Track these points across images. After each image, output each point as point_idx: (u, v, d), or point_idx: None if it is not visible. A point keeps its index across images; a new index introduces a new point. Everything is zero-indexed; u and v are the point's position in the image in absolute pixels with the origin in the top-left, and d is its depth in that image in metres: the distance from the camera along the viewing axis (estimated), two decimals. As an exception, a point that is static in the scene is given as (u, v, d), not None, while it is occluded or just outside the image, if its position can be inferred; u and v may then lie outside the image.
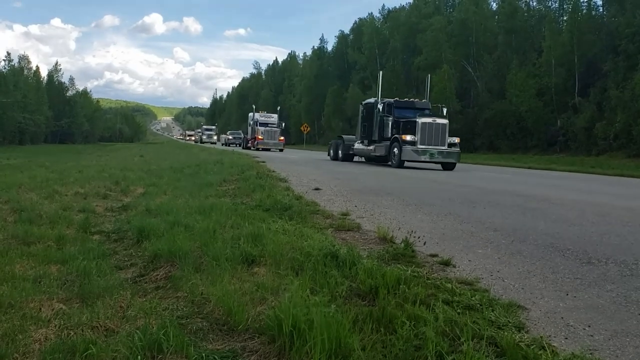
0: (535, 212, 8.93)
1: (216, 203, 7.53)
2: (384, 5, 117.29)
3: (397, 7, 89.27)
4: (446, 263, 4.72)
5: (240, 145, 55.10)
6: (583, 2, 58.08)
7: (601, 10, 59.65)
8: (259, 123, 47.00)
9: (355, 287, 3.86)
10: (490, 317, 3.21)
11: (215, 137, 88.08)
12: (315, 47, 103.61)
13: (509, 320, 3.19)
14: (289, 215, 6.72)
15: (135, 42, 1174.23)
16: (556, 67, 51.77)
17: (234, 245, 4.90)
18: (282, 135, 47.71)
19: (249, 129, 49.83)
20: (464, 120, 58.03)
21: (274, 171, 15.10)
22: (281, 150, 45.84)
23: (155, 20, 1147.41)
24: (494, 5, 71.47)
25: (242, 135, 59.94)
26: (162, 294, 4.07)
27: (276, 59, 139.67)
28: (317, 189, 10.90)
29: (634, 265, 4.87)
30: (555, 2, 64.15)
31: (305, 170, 18.12)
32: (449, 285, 3.89)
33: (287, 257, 4.56)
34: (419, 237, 5.45)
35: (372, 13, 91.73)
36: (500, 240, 5.98)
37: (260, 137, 45.51)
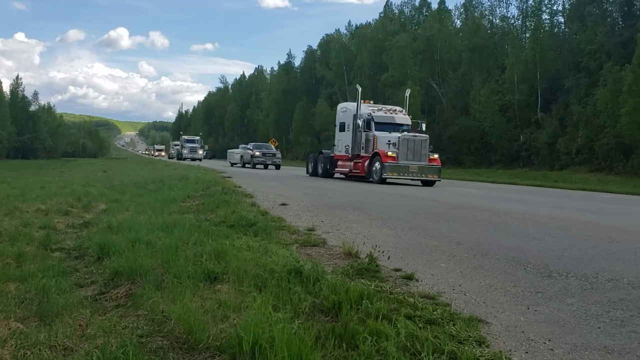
0: (498, 226, 9.05)
1: (179, 219, 7.45)
2: (350, 22, 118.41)
3: (364, 23, 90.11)
4: (409, 277, 4.75)
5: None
6: (545, 19, 59.57)
7: (563, 27, 61.20)
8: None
9: (319, 303, 3.85)
10: (451, 332, 3.23)
11: (201, 152, 68.82)
12: (283, 62, 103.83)
13: (469, 335, 3.20)
14: (254, 232, 6.68)
15: (100, 56, 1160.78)
16: (519, 84, 52.83)
17: (196, 263, 4.84)
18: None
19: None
20: (430, 135, 58.47)
21: (240, 187, 15.02)
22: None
23: (121, 35, 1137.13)
24: (458, 23, 72.78)
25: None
26: (122, 312, 4.00)
27: (243, 73, 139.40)
28: (283, 204, 10.88)
29: (594, 279, 4.95)
30: (518, 20, 65.51)
31: (273, 185, 18.06)
32: (412, 299, 3.91)
33: (250, 274, 4.53)
34: (383, 252, 5.46)
35: (339, 29, 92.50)
36: (463, 254, 6.04)
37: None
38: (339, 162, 26.09)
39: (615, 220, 11.15)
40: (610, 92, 42.47)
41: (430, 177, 22.21)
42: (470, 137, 54.92)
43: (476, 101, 54.26)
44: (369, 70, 76.85)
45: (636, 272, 5.29)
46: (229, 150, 52.64)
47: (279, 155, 43.28)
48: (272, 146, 46.81)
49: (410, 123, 25.05)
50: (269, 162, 41.67)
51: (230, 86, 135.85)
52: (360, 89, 25.68)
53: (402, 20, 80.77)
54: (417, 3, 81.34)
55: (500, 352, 2.95)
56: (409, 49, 65.42)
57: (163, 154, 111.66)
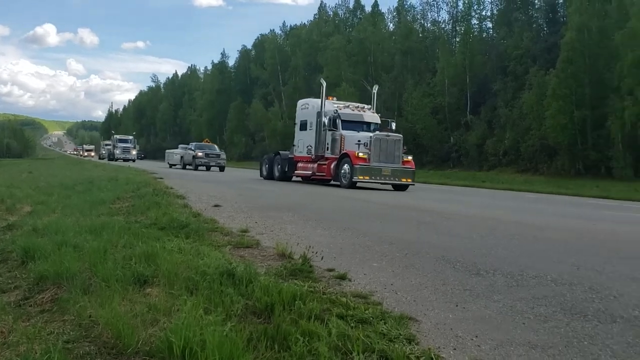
0: (429, 225, 9.25)
1: (108, 222, 7.25)
2: (284, 22, 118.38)
3: (298, 24, 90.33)
4: (342, 277, 4.78)
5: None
6: (474, 24, 61.34)
7: (491, 32, 63.18)
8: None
9: (252, 304, 3.83)
10: (382, 330, 3.27)
11: (134, 152, 66.92)
12: (217, 62, 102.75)
13: (400, 333, 3.26)
14: (186, 234, 6.57)
15: (26, 52, 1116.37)
16: (449, 87, 54.22)
17: (125, 266, 4.72)
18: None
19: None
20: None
21: (172, 188, 14.76)
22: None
23: (49, 31, 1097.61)
24: (391, 26, 73.98)
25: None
26: (47, 318, 3.85)
27: (176, 72, 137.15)
28: (217, 205, 10.75)
29: (520, 276, 5.12)
30: (449, 24, 67.25)
31: (207, 187, 17.83)
32: (344, 299, 3.94)
33: (182, 276, 4.45)
34: (317, 252, 5.48)
35: (273, 30, 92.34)
36: (395, 253, 6.14)
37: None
38: (300, 164, 23.85)
39: (539, 219, 11.59)
40: (536, 95, 44.15)
41: (404, 181, 20.42)
42: (404, 138, 55.79)
43: (409, 103, 55.31)
44: (303, 71, 77.15)
45: (559, 269, 5.51)
46: (167, 151, 49.76)
47: (223, 156, 40.74)
48: (216, 146, 44.22)
49: (379, 122, 23.12)
50: (212, 163, 39.16)
51: (162, 85, 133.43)
52: (324, 84, 23.08)
53: (337, 22, 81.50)
54: (351, 6, 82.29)
55: (429, 349, 3.01)
56: (343, 51, 66.07)
57: (93, 154, 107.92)
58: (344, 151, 20.70)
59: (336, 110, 22.08)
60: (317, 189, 19.47)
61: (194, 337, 3.00)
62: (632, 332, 3.52)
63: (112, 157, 65.71)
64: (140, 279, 4.42)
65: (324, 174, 21.75)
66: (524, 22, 56.99)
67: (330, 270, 5.05)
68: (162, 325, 3.40)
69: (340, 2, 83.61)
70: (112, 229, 6.52)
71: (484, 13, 62.66)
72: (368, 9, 75.81)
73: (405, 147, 21.60)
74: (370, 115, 22.96)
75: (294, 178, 24.78)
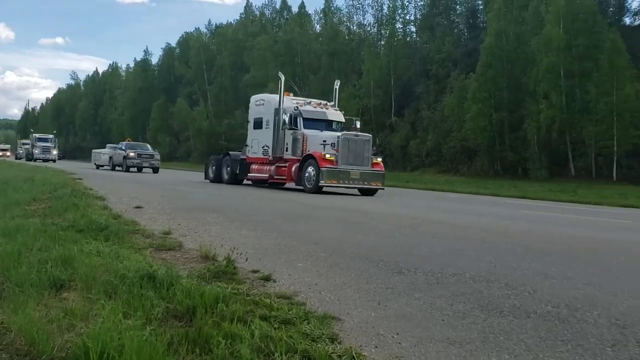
0: (355, 225, 9.36)
1: (23, 224, 6.93)
2: (210, 21, 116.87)
3: (224, 23, 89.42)
4: (267, 278, 4.76)
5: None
6: (399, 28, 62.56)
7: (415, 36, 64.64)
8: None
9: (173, 308, 3.74)
10: (305, 330, 3.28)
11: (55, 152, 62.65)
12: (139, 59, 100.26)
13: (323, 333, 3.27)
14: (105, 236, 6.36)
15: None
16: (375, 89, 55.09)
17: (41, 270, 4.52)
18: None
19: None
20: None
21: (91, 189, 14.29)
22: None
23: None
24: (318, 28, 74.41)
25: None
26: (-46, 327, 3.64)
27: (96, 69, 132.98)
28: (138, 207, 10.48)
29: (440, 274, 5.25)
30: (374, 27, 68.28)
31: (129, 188, 17.35)
32: (268, 300, 3.92)
33: (100, 280, 4.30)
34: (241, 254, 5.44)
35: (199, 28, 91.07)
36: (320, 253, 6.17)
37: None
38: (254, 166, 21.79)
39: (460, 218, 11.94)
40: (457, 98, 45.52)
41: (373, 185, 18.89)
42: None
43: (336, 104, 55.70)
44: (229, 70, 76.49)
45: (477, 267, 5.69)
46: (94, 151, 46.55)
47: (157, 156, 37.48)
48: (149, 146, 41.07)
49: (343, 120, 21.39)
50: (145, 164, 35.96)
51: (82, 83, 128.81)
52: (283, 77, 21.17)
53: (263, 22, 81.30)
54: (277, 6, 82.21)
55: (351, 348, 3.04)
56: (270, 51, 65.91)
57: (8, 154, 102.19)
58: (308, 152, 18.94)
59: (297, 106, 20.18)
60: (263, 192, 19.27)
61: (111, 342, 2.91)
62: (544, 327, 3.67)
63: (30, 157, 61.39)
64: (57, 283, 4.25)
65: (284, 177, 19.93)
66: (446, 27, 58.70)
67: (254, 271, 5.02)
68: (78, 330, 3.27)
69: (266, 2, 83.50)
70: (27, 232, 6.23)
71: (407, 17, 64.06)
72: (295, 9, 76.02)
73: (374, 148, 20.14)
74: (334, 113, 21.26)
75: (247, 181, 22.94)
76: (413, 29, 65.08)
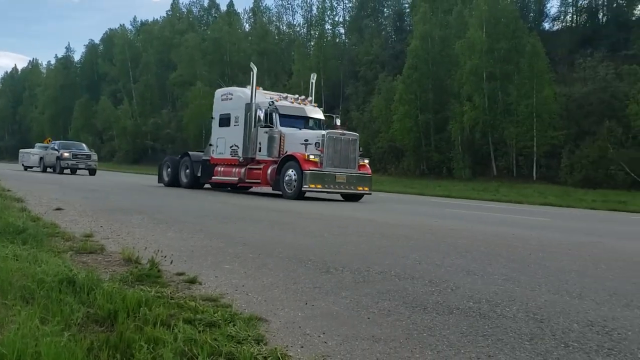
0: (284, 225, 9.35)
1: None
2: (135, 17, 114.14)
3: (150, 20, 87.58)
4: (192, 281, 4.67)
5: None
6: (328, 29, 63.00)
7: (344, 38, 65.28)
8: None
9: (93, 313, 3.62)
10: (230, 333, 3.24)
11: None
12: (61, 56, 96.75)
13: (249, 334, 3.24)
14: (23, 239, 6.08)
15: None
16: (305, 90, 55.17)
17: (-50, 276, 4.28)
18: None
19: None
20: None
21: (9, 190, 13.67)
22: None
23: None
24: (247, 27, 74.00)
25: None
26: None
27: (15, 66, 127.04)
28: (59, 209, 10.09)
29: (367, 272, 5.31)
30: (303, 28, 68.50)
31: (50, 189, 16.70)
32: (193, 303, 3.85)
33: (17, 285, 4.11)
34: (166, 256, 5.32)
35: (124, 24, 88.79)
36: (248, 254, 6.12)
37: None
38: (219, 168, 19.79)
39: (387, 217, 12.14)
40: (384, 100, 46.30)
41: (360, 190, 17.37)
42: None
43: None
44: (156, 68, 74.97)
45: (403, 264, 5.79)
46: (21, 151, 42.89)
47: (94, 157, 34.61)
48: (84, 145, 37.98)
49: (323, 117, 19.66)
50: (81, 165, 33.25)
51: (0, 80, 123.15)
52: (255, 69, 19.26)
53: (191, 19, 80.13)
54: (205, 4, 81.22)
55: (276, 348, 3.02)
56: (198, 49, 65.04)
57: None
58: (288, 153, 17.17)
59: (272, 101, 18.31)
60: (212, 196, 18.85)
61: (27, 349, 2.78)
62: (466, 323, 3.77)
63: None
64: (-32, 290, 4.03)
65: (258, 180, 18.10)
66: (374, 29, 59.62)
67: (180, 274, 4.92)
68: (-9, 339, 3.11)
69: (194, 0, 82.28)
70: None
71: (336, 19, 64.64)
72: (223, 8, 75.38)
73: (361, 149, 18.39)
74: (313, 109, 19.48)
75: (210, 184, 21.29)
76: (342, 30, 65.77)
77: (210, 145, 20.66)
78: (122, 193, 16.78)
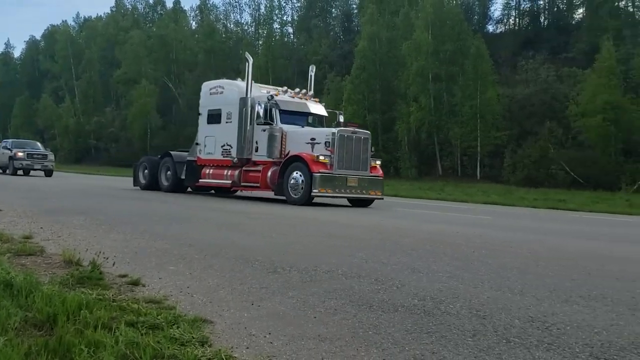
0: (232, 226, 9.28)
1: None
2: (78, 14, 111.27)
3: (94, 16, 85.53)
4: (135, 283, 4.58)
5: None
6: (276, 28, 62.90)
7: (292, 37, 65.26)
8: None
9: (32, 316, 3.50)
10: (174, 335, 3.18)
11: None
12: (0, 52, 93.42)
13: (193, 336, 3.19)
14: (-44, 242, 5.86)
15: None
16: (253, 89, 54.89)
17: None
18: None
19: None
20: (166, 136, 58.04)
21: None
22: None
23: None
24: (194, 24, 73.17)
25: None
26: None
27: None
28: (-4, 209, 9.75)
29: (314, 272, 5.31)
30: (251, 27, 68.17)
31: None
32: (136, 305, 3.77)
33: (-51, 289, 3.95)
34: (108, 258, 5.19)
35: (66, 20, 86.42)
36: (193, 255, 6.04)
37: None
38: (208, 170, 17.76)
39: (335, 216, 12.18)
40: (333, 100, 46.43)
41: (372, 194, 15.77)
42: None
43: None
44: (99, 65, 73.24)
45: (349, 263, 5.82)
46: None
47: (51, 157, 32.22)
48: (40, 144, 35.19)
49: (326, 114, 17.90)
50: (36, 166, 30.70)
51: None
52: (251, 60, 17.41)
53: (136, 16, 78.60)
54: (151, 1, 79.81)
55: (220, 350, 2.99)
56: (143, 47, 63.90)
57: None
58: (293, 153, 15.41)
59: (271, 95, 16.53)
60: (182, 199, 18.37)
61: (-41, 357, 2.67)
62: (411, 320, 3.81)
63: None
64: None
65: (256, 184, 16.27)
66: (322, 30, 59.82)
67: (122, 276, 4.82)
68: None
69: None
70: None
71: (285, 18, 64.56)
72: (169, 5, 74.29)
73: (373, 149, 16.60)
74: (315, 105, 17.65)
75: (196, 188, 19.19)
76: (290, 30, 65.74)
77: (197, 144, 18.54)
78: (89, 198, 16.33)
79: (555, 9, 54.00)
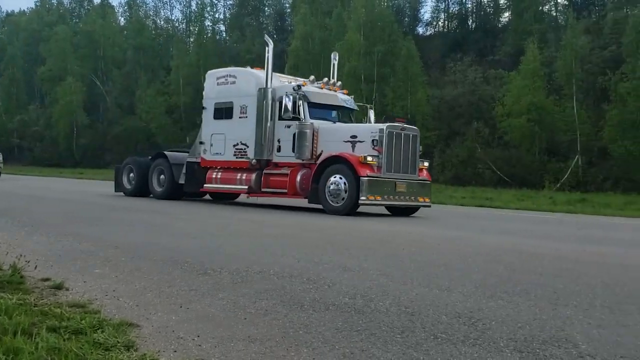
0: (160, 227, 9.09)
1: None
2: (0, 8, 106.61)
3: (17, 11, 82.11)
4: (58, 287, 4.41)
5: None
6: (208, 26, 62.16)
7: (224, 35, 64.65)
8: None
9: (-56, 325, 3.32)
10: (98, 340, 3.08)
11: None
12: None
13: (118, 341, 3.10)
14: None
15: None
16: (184, 86, 54.15)
17: None
18: None
19: None
20: (93, 135, 56.45)
21: None
22: None
23: None
24: (123, 21, 71.40)
25: None
26: None
27: None
28: None
29: (245, 272, 5.26)
30: (182, 24, 67.11)
31: None
32: (58, 310, 3.64)
33: None
34: (29, 261, 4.98)
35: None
36: (120, 257, 5.88)
37: None
38: (215, 174, 15.33)
39: (266, 216, 12.14)
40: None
41: (421, 201, 13.82)
42: (136, 137, 54.37)
43: (142, 101, 53.93)
44: (22, 62, 70.34)
45: (282, 263, 5.80)
46: None
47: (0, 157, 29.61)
48: None
49: (356, 108, 15.91)
50: None
51: None
52: (271, 44, 15.17)
53: (61, 11, 75.96)
54: (77, -5, 77.39)
55: (145, 354, 2.92)
56: (69, 43, 61.84)
57: None
58: (330, 153, 13.28)
59: (299, 85, 14.23)
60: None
61: None
62: (341, 318, 3.83)
63: None
64: None
65: (282, 190, 13.87)
66: (255, 28, 59.49)
67: (45, 279, 4.63)
68: None
69: (65, -9, 78.11)
70: None
71: (217, 16, 63.90)
72: (97, 0, 72.15)
73: (421, 148, 14.31)
74: (344, 97, 15.42)
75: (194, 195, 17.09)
76: (223, 27, 65.11)
77: (201, 143, 15.97)
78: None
79: (483, 12, 55.71)
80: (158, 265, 5.54)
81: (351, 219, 11.97)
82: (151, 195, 17.09)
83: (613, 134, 31.99)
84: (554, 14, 51.14)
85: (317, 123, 13.85)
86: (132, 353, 2.97)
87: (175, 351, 3.10)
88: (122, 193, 17.59)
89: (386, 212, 14.35)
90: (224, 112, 15.39)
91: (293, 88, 14.00)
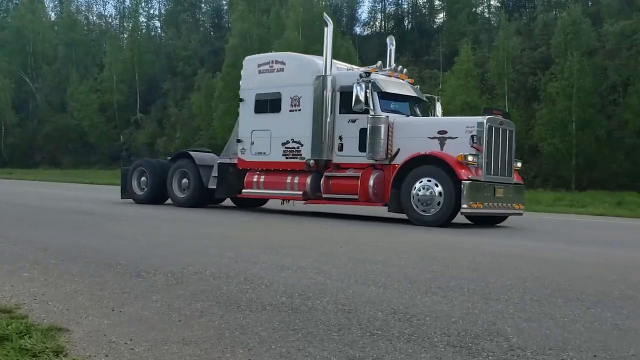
0: (91, 228, 8.84)
1: None
2: None
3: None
4: (-17, 292, 4.24)
5: None
6: (142, 22, 60.97)
7: (160, 31, 63.56)
8: None
9: None
10: (25, 346, 2.97)
11: None
12: None
13: (46, 346, 2.99)
14: None
15: None
16: (118, 84, 52.97)
17: None
18: None
19: None
20: (22, 133, 54.48)
21: None
22: None
23: None
24: (53, 16, 69.18)
25: None
26: None
27: None
28: None
29: (181, 274, 5.17)
30: (116, 19, 65.57)
31: None
32: (-18, 317, 3.49)
33: None
34: (-49, 266, 4.76)
35: None
36: (49, 260, 5.68)
37: None
38: (257, 177, 13.23)
39: (206, 218, 12.00)
40: (204, 97, 45.82)
41: (516, 209, 11.93)
42: (68, 136, 52.83)
43: (74, 99, 52.40)
44: (-55, 57, 67.10)
45: (218, 264, 5.74)
46: None
47: None
48: None
49: (425, 99, 13.90)
50: None
51: None
52: (331, 24, 12.87)
53: (-13, 5, 72.90)
54: (5, -12, 74.39)
55: (75, 359, 2.84)
56: (-4, 38, 59.48)
57: None
58: (421, 152, 11.15)
59: (367, 72, 12.07)
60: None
61: None
62: (278, 318, 3.82)
63: None
64: None
65: (352, 195, 11.82)
66: (192, 25, 58.75)
67: (-32, 285, 4.44)
68: None
69: (-9, -16, 74.90)
70: None
71: (152, 11, 62.73)
72: (26, -6, 69.52)
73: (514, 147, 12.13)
74: (412, 87, 13.51)
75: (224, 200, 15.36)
76: (158, 24, 63.95)
77: (239, 141, 13.67)
78: None
79: (418, 13, 56.72)
80: (89, 268, 5.38)
81: (458, 233, 10.12)
82: (169, 202, 14.93)
83: (543, 133, 33.19)
84: (487, 16, 52.66)
85: (391, 117, 11.83)
86: (62, 358, 2.88)
87: (106, 355, 3.02)
88: (131, 200, 15.28)
89: (467, 221, 12.34)
90: (268, 104, 13.20)
91: (360, 75, 11.91)
